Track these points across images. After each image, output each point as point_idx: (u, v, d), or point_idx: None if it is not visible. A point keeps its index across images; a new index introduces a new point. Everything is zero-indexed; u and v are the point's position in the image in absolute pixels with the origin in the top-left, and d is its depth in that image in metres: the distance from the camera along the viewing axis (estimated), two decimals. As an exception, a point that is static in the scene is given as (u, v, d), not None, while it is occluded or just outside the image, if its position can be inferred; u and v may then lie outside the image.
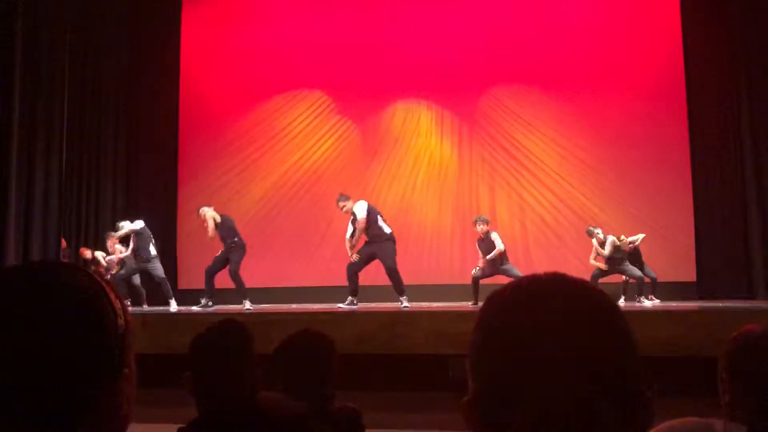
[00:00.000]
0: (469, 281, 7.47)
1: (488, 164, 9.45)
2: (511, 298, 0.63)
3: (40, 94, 7.60)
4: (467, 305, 7.13)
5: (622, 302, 7.50)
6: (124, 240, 8.20)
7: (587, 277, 7.08)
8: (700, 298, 8.15)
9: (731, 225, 8.37)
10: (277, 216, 9.86)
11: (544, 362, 0.58)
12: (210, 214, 7.37)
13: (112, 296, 0.65)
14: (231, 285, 7.38)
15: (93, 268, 8.56)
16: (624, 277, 7.75)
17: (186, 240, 9.83)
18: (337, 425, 1.90)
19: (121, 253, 8.09)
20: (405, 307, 6.52)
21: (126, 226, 7.87)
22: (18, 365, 0.58)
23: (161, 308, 7.62)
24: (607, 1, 9.37)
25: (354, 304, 6.81)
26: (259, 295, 7.98)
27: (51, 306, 0.61)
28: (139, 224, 7.85)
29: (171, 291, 7.74)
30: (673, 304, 6.98)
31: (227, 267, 7.28)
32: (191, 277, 9.10)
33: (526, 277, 0.66)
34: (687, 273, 8.53)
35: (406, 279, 6.95)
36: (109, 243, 8.29)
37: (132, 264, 7.87)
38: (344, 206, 7.02)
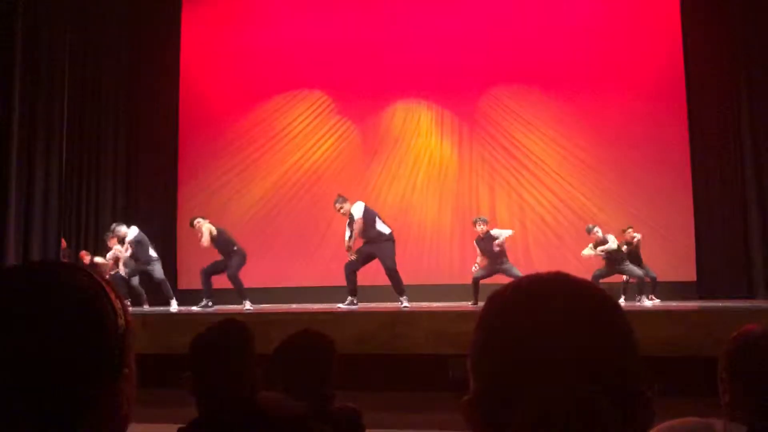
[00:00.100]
0: (468, 281, 7.47)
1: (488, 164, 9.45)
2: (512, 298, 0.63)
3: (40, 94, 7.60)
4: (467, 305, 7.13)
5: (622, 302, 7.50)
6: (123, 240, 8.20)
7: (587, 275, 7.08)
8: (700, 298, 8.15)
9: (731, 225, 8.37)
10: (277, 216, 9.86)
11: (545, 362, 0.58)
12: (206, 226, 7.33)
13: (112, 296, 0.65)
14: (231, 285, 7.37)
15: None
16: (624, 277, 7.75)
17: (186, 240, 9.83)
18: (337, 425, 1.90)
19: (119, 252, 8.09)
20: (405, 307, 6.51)
21: (121, 230, 7.84)
22: (18, 365, 0.58)
23: (161, 308, 7.62)
24: (607, 1, 9.37)
25: (354, 304, 6.80)
26: (259, 295, 7.97)
27: (51, 306, 0.61)
28: (134, 232, 7.79)
29: (171, 291, 7.73)
30: (673, 304, 6.98)
31: (227, 264, 7.27)
32: (191, 277, 9.08)
33: (527, 277, 0.66)
34: (687, 273, 8.53)
35: (406, 279, 6.95)
36: (110, 243, 8.27)
37: (132, 265, 7.87)
38: (341, 208, 6.99)
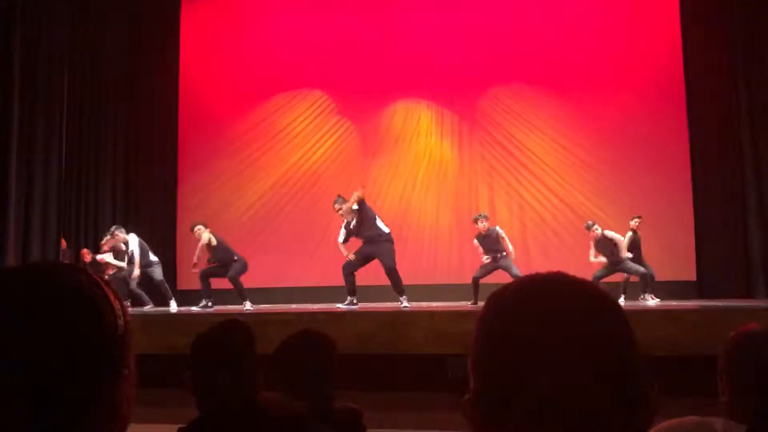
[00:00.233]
0: (467, 281, 7.46)
1: (488, 163, 9.45)
2: (512, 298, 0.63)
3: (40, 94, 7.60)
4: (467, 305, 7.13)
5: (622, 301, 7.50)
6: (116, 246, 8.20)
7: (587, 275, 7.05)
8: (701, 298, 8.15)
9: (731, 224, 8.37)
10: (277, 216, 9.86)
11: (546, 362, 0.58)
12: (206, 236, 7.31)
13: (112, 297, 0.65)
14: (231, 286, 7.37)
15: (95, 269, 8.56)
16: (624, 275, 7.74)
17: (186, 240, 9.83)
18: (337, 425, 1.90)
19: (110, 260, 8.10)
20: (405, 307, 6.51)
21: (120, 235, 7.81)
22: (17, 366, 0.58)
23: (161, 309, 7.62)
24: (607, 1, 9.38)
25: (354, 304, 6.80)
26: (259, 295, 7.97)
27: (50, 307, 0.61)
28: (135, 241, 7.79)
29: (170, 292, 7.72)
30: (673, 304, 6.98)
31: (226, 276, 7.27)
32: (191, 278, 9.08)
33: (528, 277, 0.66)
34: (687, 272, 8.53)
35: (405, 279, 6.94)
36: (106, 245, 8.26)
37: (132, 267, 7.85)
38: (340, 209, 6.96)
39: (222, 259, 7.30)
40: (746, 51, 8.20)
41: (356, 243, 7.11)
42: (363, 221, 6.82)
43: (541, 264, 8.65)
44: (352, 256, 6.86)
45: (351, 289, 6.86)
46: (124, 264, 7.90)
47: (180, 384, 1.69)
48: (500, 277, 7.09)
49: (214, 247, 7.32)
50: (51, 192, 7.63)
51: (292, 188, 9.91)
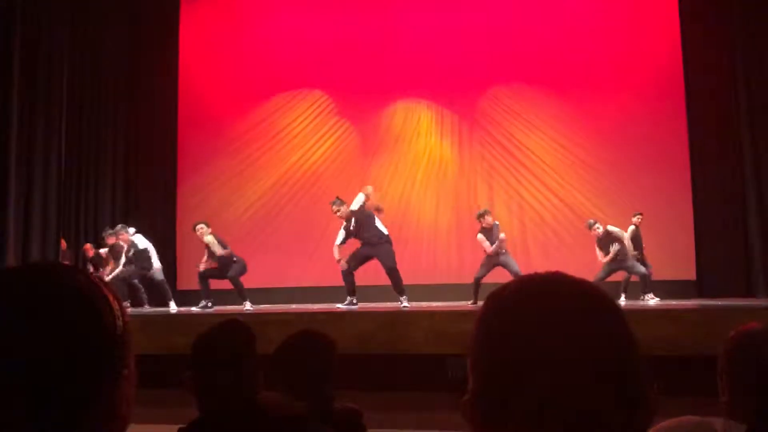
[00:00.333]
0: (467, 280, 7.46)
1: (488, 163, 9.45)
2: (511, 298, 0.63)
3: (39, 94, 7.60)
4: (467, 305, 7.12)
5: (623, 301, 7.50)
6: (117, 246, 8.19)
7: (586, 274, 7.05)
8: (700, 297, 8.16)
9: (731, 224, 8.38)
10: (276, 216, 9.86)
11: (545, 362, 0.58)
12: (209, 238, 7.30)
13: (110, 297, 0.65)
14: (230, 286, 7.37)
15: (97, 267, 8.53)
16: (625, 275, 7.74)
17: (185, 240, 9.83)
18: (337, 425, 1.90)
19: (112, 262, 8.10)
20: (405, 307, 6.51)
21: (126, 233, 7.78)
22: (16, 366, 0.58)
23: (161, 309, 7.62)
24: (606, 1, 9.38)
25: (353, 304, 6.80)
26: (259, 295, 7.97)
27: (50, 307, 0.61)
28: (144, 242, 7.79)
29: (170, 293, 7.71)
30: (673, 303, 6.98)
31: (226, 277, 7.25)
32: (191, 278, 9.09)
33: (526, 277, 0.66)
34: (687, 272, 8.53)
35: (405, 279, 6.94)
36: (108, 240, 8.25)
37: (131, 268, 7.84)
38: (338, 211, 6.94)
39: (221, 260, 7.29)
40: (746, 50, 8.20)
41: (352, 246, 7.09)
42: (362, 223, 6.81)
43: (540, 264, 8.65)
44: (344, 264, 6.83)
45: (351, 289, 6.86)
46: (121, 263, 7.89)
47: (180, 384, 1.69)
48: (500, 277, 7.09)
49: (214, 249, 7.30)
50: (51, 192, 7.63)
51: (292, 188, 9.91)
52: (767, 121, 8.02)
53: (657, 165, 8.73)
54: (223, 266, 7.26)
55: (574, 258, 8.56)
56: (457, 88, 9.44)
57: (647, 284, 7.32)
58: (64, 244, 8.60)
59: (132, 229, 7.93)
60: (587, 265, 7.66)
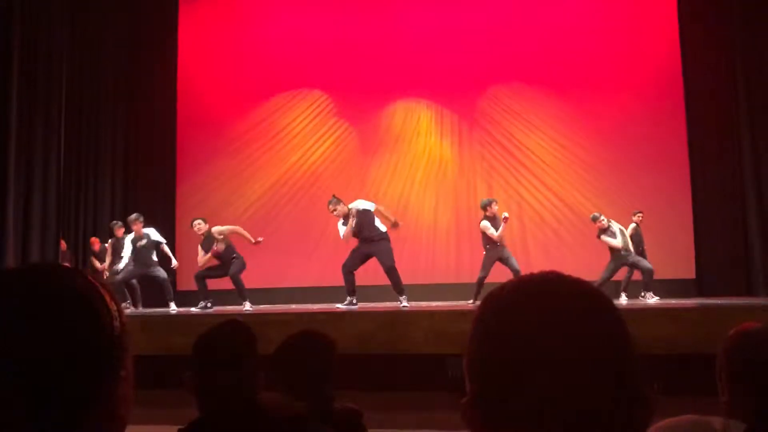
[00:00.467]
0: (466, 280, 7.45)
1: (487, 162, 9.46)
2: (509, 298, 0.63)
3: (38, 94, 7.59)
4: (467, 304, 7.12)
5: (624, 299, 7.51)
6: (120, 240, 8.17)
7: (586, 274, 7.05)
8: (700, 296, 8.16)
9: (730, 222, 8.39)
10: (276, 216, 9.86)
11: (544, 362, 0.58)
12: (217, 227, 7.28)
13: (108, 298, 0.65)
14: (230, 286, 7.36)
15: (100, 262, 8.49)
16: (625, 274, 7.75)
17: (185, 240, 9.82)
18: (338, 426, 1.90)
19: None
20: (404, 306, 6.51)
21: (137, 221, 7.75)
22: (14, 368, 0.58)
23: (161, 309, 7.61)
24: (605, 1, 9.38)
25: (353, 304, 6.79)
26: (258, 295, 7.96)
27: (47, 309, 0.61)
28: (158, 234, 7.77)
29: (171, 293, 7.68)
30: (673, 302, 6.98)
31: (227, 275, 7.23)
32: (191, 279, 9.08)
33: (524, 277, 0.66)
34: (686, 271, 8.54)
35: (404, 278, 6.94)
36: (117, 232, 8.23)
37: (131, 267, 7.83)
38: (335, 210, 6.93)
39: (222, 256, 7.26)
40: (745, 50, 8.21)
41: (354, 242, 7.08)
42: (362, 221, 6.81)
43: (540, 263, 8.65)
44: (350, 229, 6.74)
45: (351, 289, 6.85)
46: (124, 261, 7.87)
47: (180, 384, 1.69)
48: (502, 277, 7.08)
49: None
50: (50, 192, 7.62)
51: (292, 188, 9.91)
52: (766, 121, 8.02)
53: (656, 164, 8.74)
54: (224, 263, 7.24)
55: (574, 257, 8.56)
56: (457, 88, 9.45)
57: (650, 281, 7.31)
58: (63, 244, 8.59)
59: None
60: (587, 264, 7.66)
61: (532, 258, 8.85)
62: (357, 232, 6.84)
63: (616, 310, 0.63)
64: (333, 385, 2.01)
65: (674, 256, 8.47)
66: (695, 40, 8.75)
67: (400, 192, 9.61)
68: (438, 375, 5.07)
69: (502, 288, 0.65)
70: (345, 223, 6.86)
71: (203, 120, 10.11)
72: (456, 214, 9.38)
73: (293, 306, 7.80)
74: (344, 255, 7.12)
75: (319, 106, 10.02)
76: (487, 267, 7.25)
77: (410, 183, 9.64)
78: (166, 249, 7.93)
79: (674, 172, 8.77)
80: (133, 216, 7.82)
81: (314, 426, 1.72)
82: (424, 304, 7.13)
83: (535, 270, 0.67)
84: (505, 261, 7.13)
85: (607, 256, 7.50)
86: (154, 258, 7.77)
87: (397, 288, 6.71)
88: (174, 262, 7.90)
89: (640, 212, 7.84)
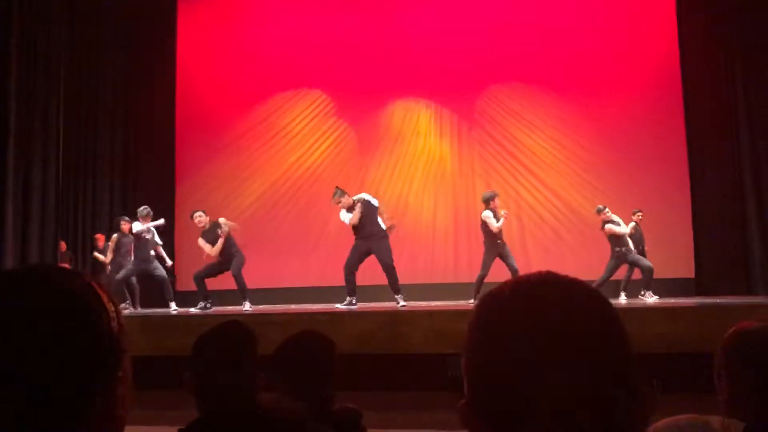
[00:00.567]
0: (465, 279, 7.45)
1: (486, 162, 9.47)
2: (505, 299, 0.63)
3: (37, 94, 7.59)
4: (466, 304, 7.12)
5: (624, 299, 7.52)
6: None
7: (586, 273, 7.08)
8: (699, 295, 8.17)
9: (729, 222, 8.39)
10: (275, 216, 9.86)
11: (542, 362, 0.58)
12: (205, 248, 7.26)
13: (105, 299, 0.65)
14: (229, 286, 7.35)
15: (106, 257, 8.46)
16: (625, 273, 7.75)
17: (184, 240, 9.82)
18: (337, 426, 1.90)
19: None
20: (402, 306, 6.50)
21: (145, 213, 7.73)
22: (11, 369, 0.58)
23: (161, 310, 7.60)
24: (604, 1, 9.39)
25: (353, 304, 6.79)
26: (257, 295, 7.95)
27: (44, 310, 0.61)
28: (156, 235, 7.79)
29: (172, 293, 7.65)
30: (672, 301, 6.99)
31: (229, 269, 7.20)
32: (190, 279, 9.07)
33: (520, 277, 0.66)
34: (686, 269, 8.55)
35: (403, 278, 6.94)
36: (124, 227, 8.22)
37: (131, 265, 7.81)
38: (339, 201, 6.90)
39: (224, 250, 7.23)
40: (743, 49, 8.22)
41: (349, 239, 7.05)
42: (367, 215, 6.79)
43: (539, 262, 8.66)
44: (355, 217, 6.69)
45: (351, 288, 6.85)
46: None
47: (180, 385, 1.69)
48: (502, 277, 7.08)
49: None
50: (49, 192, 7.62)
51: (291, 188, 9.91)
52: (765, 120, 8.03)
53: (656, 163, 8.75)
54: (226, 257, 7.20)
55: (573, 256, 8.57)
56: (456, 88, 9.45)
57: (650, 280, 7.31)
58: (63, 245, 8.58)
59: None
60: (586, 263, 7.67)
61: (531, 257, 8.85)
62: (359, 225, 6.80)
63: (612, 309, 0.63)
64: (332, 385, 2.01)
65: (673, 255, 8.47)
66: (694, 39, 8.76)
67: (400, 191, 9.62)
68: (438, 375, 5.07)
69: (499, 288, 0.65)
70: (350, 212, 6.82)
71: (202, 120, 10.11)
72: (455, 214, 9.38)
73: (293, 306, 7.79)
74: (343, 254, 7.12)
75: (318, 105, 10.02)
76: (487, 265, 7.24)
77: (409, 182, 9.65)
78: (161, 251, 7.91)
79: (673, 171, 8.78)
80: (144, 211, 7.80)
81: (314, 426, 1.72)
82: (423, 304, 7.13)
83: (535, 270, 0.67)
84: (504, 259, 7.12)
85: (607, 256, 7.50)
86: (153, 254, 7.75)
87: (395, 287, 6.71)
88: (168, 261, 7.87)
89: (639, 211, 7.85)
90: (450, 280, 8.91)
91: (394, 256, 6.89)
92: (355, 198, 6.87)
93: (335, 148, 9.91)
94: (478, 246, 7.59)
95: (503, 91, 9.48)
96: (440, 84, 9.51)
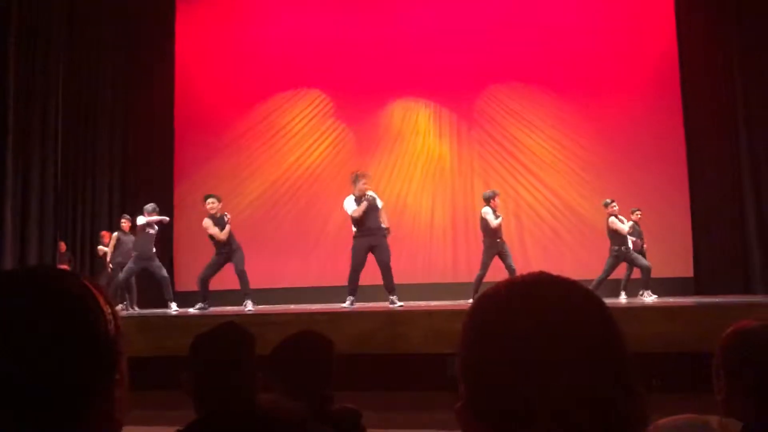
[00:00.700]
0: (463, 279, 7.45)
1: (486, 161, 9.47)
2: (501, 299, 0.63)
3: (35, 94, 7.58)
4: (465, 303, 7.12)
5: (624, 298, 7.52)
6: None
7: (585, 272, 7.09)
8: (698, 294, 8.17)
9: (728, 221, 8.40)
10: (275, 216, 9.85)
11: (538, 363, 0.58)
12: (206, 221, 7.24)
13: (102, 301, 0.65)
14: (229, 286, 7.34)
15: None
16: (625, 273, 7.75)
17: (183, 240, 9.82)
18: (337, 426, 1.90)
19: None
20: (400, 306, 6.50)
21: (150, 209, 7.70)
22: (8, 372, 0.58)
23: (159, 310, 7.59)
24: (603, 1, 9.39)
25: (352, 304, 6.79)
26: (256, 295, 7.91)
27: (41, 312, 0.61)
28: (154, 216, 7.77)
29: (171, 293, 7.63)
30: (671, 300, 6.99)
31: (229, 261, 7.17)
32: (190, 279, 9.06)
33: (515, 278, 0.66)
34: (684, 269, 8.55)
35: (402, 278, 6.94)
36: (124, 225, 8.20)
37: (131, 264, 7.78)
38: (365, 183, 6.77)
39: (228, 241, 7.19)
40: (742, 49, 8.22)
41: (348, 240, 7.04)
42: (369, 213, 6.76)
43: (538, 262, 8.67)
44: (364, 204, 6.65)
45: (354, 288, 6.84)
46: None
47: (178, 386, 1.69)
48: (499, 277, 7.08)
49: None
50: (48, 193, 7.62)
51: (291, 188, 9.90)
52: (764, 119, 8.04)
53: (655, 163, 8.76)
54: (227, 250, 7.16)
55: (572, 255, 8.58)
56: (456, 87, 9.46)
57: (648, 280, 7.32)
58: (63, 246, 8.57)
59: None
60: (585, 263, 7.67)
61: (530, 256, 8.85)
62: (360, 220, 6.76)
63: (607, 310, 0.64)
64: (332, 385, 2.01)
65: (672, 254, 8.48)
66: (693, 39, 8.76)
67: (399, 191, 9.61)
68: (437, 375, 5.07)
69: (494, 289, 0.65)
70: (356, 203, 6.78)
71: (201, 119, 10.10)
72: (454, 214, 9.38)
73: (292, 306, 7.79)
74: (343, 254, 7.11)
75: (317, 105, 10.02)
76: (486, 264, 7.24)
77: (408, 182, 9.65)
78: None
79: (672, 170, 8.78)
80: (151, 207, 7.77)
81: (313, 426, 1.72)
82: (422, 304, 7.13)
83: (533, 269, 0.67)
84: (503, 258, 7.12)
85: (606, 256, 7.50)
86: (154, 251, 7.72)
87: (390, 286, 6.70)
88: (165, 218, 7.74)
89: (638, 210, 7.86)
90: (449, 279, 8.91)
91: (393, 256, 6.89)
92: (368, 193, 6.84)
93: (335, 147, 9.91)
94: (477, 245, 7.59)
95: (502, 90, 9.49)
96: (439, 83, 9.51)
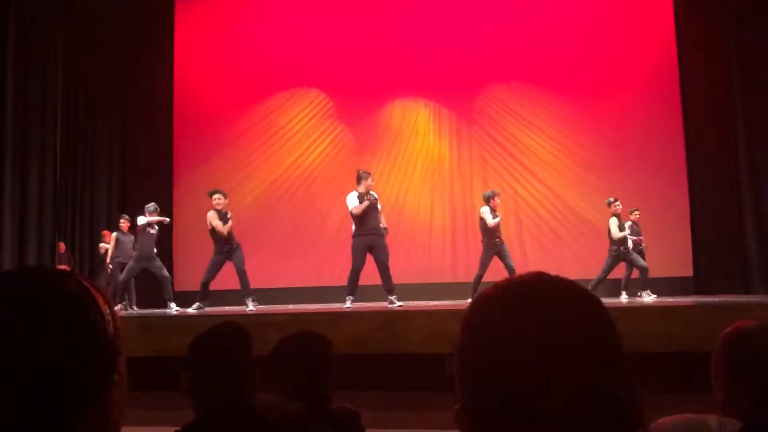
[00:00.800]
0: (462, 279, 7.45)
1: (485, 161, 9.48)
2: (498, 300, 0.63)
3: (34, 94, 7.58)
4: (465, 303, 7.12)
5: (624, 298, 7.52)
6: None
7: (584, 272, 7.10)
8: (697, 294, 8.18)
9: (727, 221, 8.41)
10: (274, 216, 9.85)
11: (534, 363, 0.58)
12: (210, 214, 7.25)
13: (101, 302, 0.65)
14: (229, 286, 7.34)
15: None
16: (625, 273, 7.76)
17: (182, 240, 9.82)
18: (336, 426, 1.90)
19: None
20: (399, 306, 6.50)
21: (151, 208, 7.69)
22: (6, 373, 0.58)
23: (158, 311, 7.58)
24: (603, 1, 9.40)
25: (351, 305, 6.79)
26: (255, 295, 7.91)
27: (39, 313, 0.61)
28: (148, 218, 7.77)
29: (171, 293, 7.61)
30: (670, 300, 7.00)
31: (229, 258, 7.17)
32: (189, 278, 9.07)
33: (513, 278, 0.66)
34: (683, 268, 8.56)
35: (401, 278, 6.93)
36: (123, 225, 8.18)
37: (132, 264, 7.77)
38: (368, 182, 6.76)
39: (228, 238, 7.18)
40: (740, 49, 8.23)
41: (347, 239, 7.03)
42: (370, 213, 6.75)
43: (537, 261, 8.67)
44: (368, 198, 6.66)
45: (354, 287, 6.84)
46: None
47: (177, 385, 1.69)
48: (498, 277, 7.06)
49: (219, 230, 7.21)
50: (46, 193, 7.61)
51: (290, 188, 9.90)
52: (762, 119, 8.05)
53: (653, 163, 8.77)
54: (228, 248, 7.15)
55: (572, 255, 8.58)
56: (455, 87, 9.46)
57: (647, 280, 7.33)
58: (62, 246, 8.56)
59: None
60: (585, 263, 7.67)
61: (529, 256, 8.86)
62: (359, 218, 6.75)
63: (605, 310, 0.64)
64: (331, 385, 2.01)
65: (672, 254, 8.49)
66: (692, 39, 8.77)
67: (398, 191, 9.62)
68: (436, 375, 5.05)
69: (491, 289, 0.65)
70: (359, 200, 6.77)
71: (200, 119, 10.10)
72: (453, 213, 9.38)
73: (290, 306, 7.79)
74: (342, 254, 7.11)
75: (316, 105, 10.01)
76: (485, 264, 7.24)
77: (408, 182, 9.65)
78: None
79: (671, 170, 8.79)
80: (152, 206, 7.76)
81: (312, 426, 1.72)
82: (421, 304, 7.13)
83: (532, 269, 0.67)
84: (502, 258, 7.12)
85: (605, 255, 7.50)
86: (155, 250, 7.71)
87: (389, 286, 6.69)
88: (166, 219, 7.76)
89: (636, 210, 7.86)
90: (448, 279, 8.91)
91: (392, 256, 6.88)
92: (371, 193, 6.83)
93: (334, 147, 9.91)
94: (476, 245, 7.60)
95: (502, 90, 9.49)
96: (439, 83, 9.51)
